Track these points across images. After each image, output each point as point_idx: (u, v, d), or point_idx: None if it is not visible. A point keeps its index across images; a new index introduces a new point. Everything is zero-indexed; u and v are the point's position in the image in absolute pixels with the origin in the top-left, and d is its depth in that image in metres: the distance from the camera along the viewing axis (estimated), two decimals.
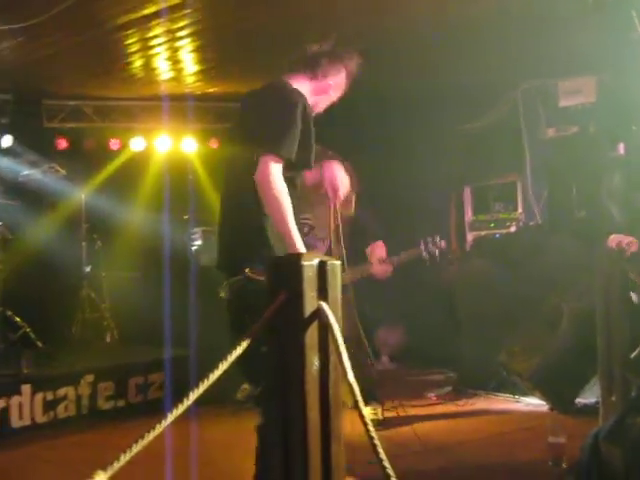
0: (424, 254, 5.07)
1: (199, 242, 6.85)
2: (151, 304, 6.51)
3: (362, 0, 5.12)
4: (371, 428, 1.57)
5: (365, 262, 5.04)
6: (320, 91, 3.41)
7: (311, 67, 3.38)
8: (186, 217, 7.06)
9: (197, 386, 1.69)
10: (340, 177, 3.78)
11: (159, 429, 1.53)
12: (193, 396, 1.56)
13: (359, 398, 1.56)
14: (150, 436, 1.48)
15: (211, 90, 7.50)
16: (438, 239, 5.07)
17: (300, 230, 3.15)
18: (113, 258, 7.65)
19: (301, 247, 3.05)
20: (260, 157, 3.05)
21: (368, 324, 6.88)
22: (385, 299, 6.51)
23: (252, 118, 3.31)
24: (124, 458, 1.40)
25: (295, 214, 3.09)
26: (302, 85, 3.32)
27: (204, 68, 6.81)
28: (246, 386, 5.53)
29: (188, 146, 8.15)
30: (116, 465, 1.36)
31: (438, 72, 6.56)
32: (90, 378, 5.46)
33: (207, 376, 1.71)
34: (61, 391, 5.29)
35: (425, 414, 5.38)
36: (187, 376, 5.97)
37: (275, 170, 3.04)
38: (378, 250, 5.06)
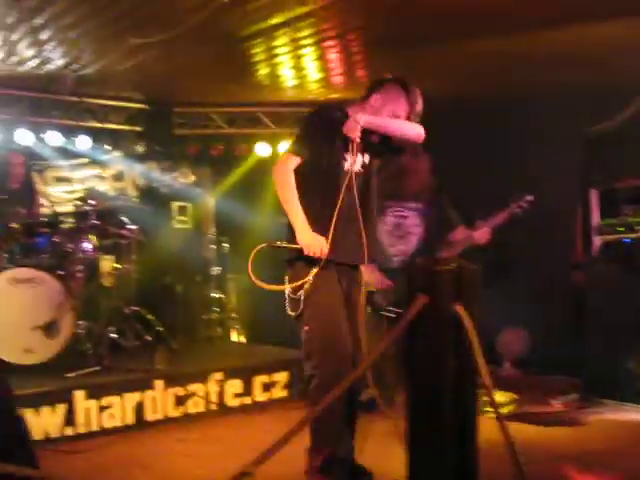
0: (516, 210, 5.43)
1: None
2: (278, 305, 6.67)
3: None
4: (510, 433, 1.60)
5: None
6: (372, 111, 3.96)
7: (368, 92, 4.07)
8: None
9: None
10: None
11: (302, 426, 1.61)
12: (335, 392, 1.63)
13: (495, 401, 1.59)
14: (294, 432, 1.56)
15: (334, 96, 7.61)
16: (524, 195, 5.47)
17: None
18: (240, 261, 7.87)
19: (301, 227, 3.76)
20: None
21: (491, 329, 6.86)
22: (508, 304, 6.43)
23: None
24: (271, 452, 1.48)
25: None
26: (353, 107, 4.02)
27: (326, 75, 6.93)
28: (371, 390, 5.59)
29: None
30: (263, 458, 1.45)
31: (568, 72, 6.41)
32: (218, 376, 5.67)
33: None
34: (191, 387, 5.53)
35: (549, 421, 5.28)
36: None
37: (282, 162, 3.90)
38: (463, 232, 5.41)
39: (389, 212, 5.30)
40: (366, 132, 3.91)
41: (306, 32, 5.61)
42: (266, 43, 5.91)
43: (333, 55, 6.27)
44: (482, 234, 5.37)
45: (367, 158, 4.00)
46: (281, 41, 5.86)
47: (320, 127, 3.90)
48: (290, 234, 3.86)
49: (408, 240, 5.28)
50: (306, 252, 3.76)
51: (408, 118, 3.99)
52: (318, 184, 3.87)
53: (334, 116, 3.93)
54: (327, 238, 3.75)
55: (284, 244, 3.88)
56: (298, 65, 6.58)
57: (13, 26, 5.36)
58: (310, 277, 3.76)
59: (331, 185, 3.86)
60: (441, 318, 1.64)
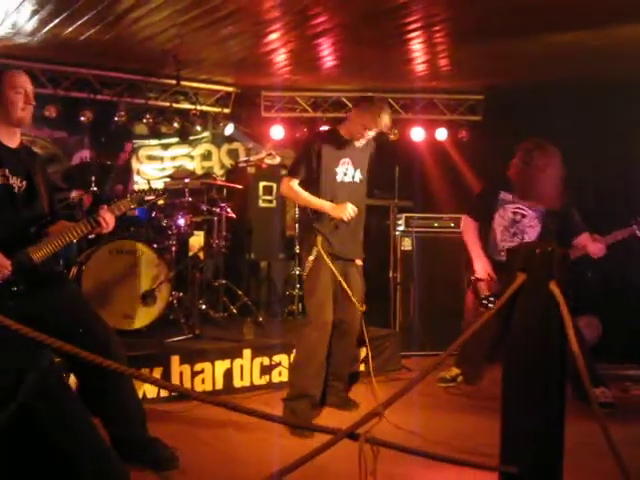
0: (638, 232, 5.26)
1: (402, 228, 7.20)
2: None
3: None
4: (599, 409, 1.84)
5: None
6: (350, 125, 4.90)
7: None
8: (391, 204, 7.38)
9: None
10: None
11: (409, 389, 1.87)
12: (435, 363, 1.90)
13: (583, 367, 1.85)
14: (404, 392, 1.84)
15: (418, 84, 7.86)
16: None
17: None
18: None
19: (327, 205, 4.76)
20: None
21: None
22: (582, 292, 6.53)
23: None
24: (397, 397, 1.77)
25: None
26: (341, 125, 5.01)
27: (410, 65, 7.15)
28: (454, 368, 5.86)
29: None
30: (392, 401, 1.73)
31: None
32: None
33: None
34: (276, 358, 5.83)
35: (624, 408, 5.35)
36: (387, 351, 6.40)
37: (285, 184, 4.93)
38: (584, 239, 5.31)
39: (509, 208, 5.44)
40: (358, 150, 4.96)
41: (391, 24, 5.84)
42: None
43: (417, 45, 6.49)
44: (597, 248, 5.25)
45: (359, 172, 5.00)
46: (366, 32, 6.11)
47: (311, 153, 4.84)
48: (310, 222, 4.95)
49: (521, 239, 5.40)
50: (346, 217, 4.74)
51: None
52: (317, 194, 4.84)
53: (324, 139, 4.92)
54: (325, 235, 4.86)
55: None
56: (382, 54, 6.81)
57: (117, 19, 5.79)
58: (311, 259, 4.82)
59: (326, 195, 4.84)
60: (537, 294, 1.90)
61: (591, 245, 5.24)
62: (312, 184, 4.88)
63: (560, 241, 5.29)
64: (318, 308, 4.84)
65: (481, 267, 5.39)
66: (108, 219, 3.78)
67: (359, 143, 4.93)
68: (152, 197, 4.18)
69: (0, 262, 3.46)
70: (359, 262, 5.09)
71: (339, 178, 4.92)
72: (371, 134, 4.88)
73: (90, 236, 4.34)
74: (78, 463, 1.94)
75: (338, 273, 4.87)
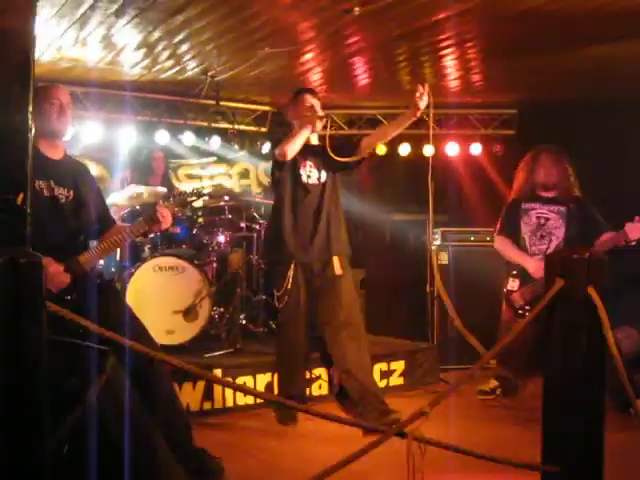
0: None
1: (438, 242, 7.28)
2: (390, 297, 7.02)
3: None
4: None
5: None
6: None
7: None
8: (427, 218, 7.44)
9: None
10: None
11: (442, 397, 1.94)
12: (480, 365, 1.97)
13: (623, 371, 1.92)
14: (449, 393, 1.91)
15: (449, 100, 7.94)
16: None
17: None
18: (356, 255, 8.25)
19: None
20: None
21: None
22: (620, 302, 6.52)
23: None
24: (443, 397, 1.85)
25: None
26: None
27: (443, 80, 7.24)
28: (493, 380, 5.89)
29: (428, 151, 8.56)
30: (438, 400, 1.81)
31: None
32: None
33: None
34: (316, 371, 5.93)
35: None
36: (425, 365, 6.47)
37: None
38: (606, 236, 5.39)
39: (532, 214, 5.64)
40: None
41: (424, 42, 5.95)
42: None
43: (450, 62, 6.59)
44: (636, 228, 5.20)
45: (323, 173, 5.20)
46: (400, 50, 6.23)
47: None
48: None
49: (549, 240, 5.57)
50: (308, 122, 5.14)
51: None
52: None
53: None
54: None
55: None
56: (416, 71, 6.92)
57: (156, 42, 5.96)
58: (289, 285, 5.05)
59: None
60: (575, 299, 1.97)
61: (629, 226, 5.21)
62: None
63: (585, 241, 5.41)
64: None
65: (534, 266, 5.42)
66: (165, 214, 3.87)
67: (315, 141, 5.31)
68: (194, 198, 4.31)
69: (57, 271, 3.58)
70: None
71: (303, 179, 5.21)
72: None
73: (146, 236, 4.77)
74: (138, 464, 2.04)
75: None
